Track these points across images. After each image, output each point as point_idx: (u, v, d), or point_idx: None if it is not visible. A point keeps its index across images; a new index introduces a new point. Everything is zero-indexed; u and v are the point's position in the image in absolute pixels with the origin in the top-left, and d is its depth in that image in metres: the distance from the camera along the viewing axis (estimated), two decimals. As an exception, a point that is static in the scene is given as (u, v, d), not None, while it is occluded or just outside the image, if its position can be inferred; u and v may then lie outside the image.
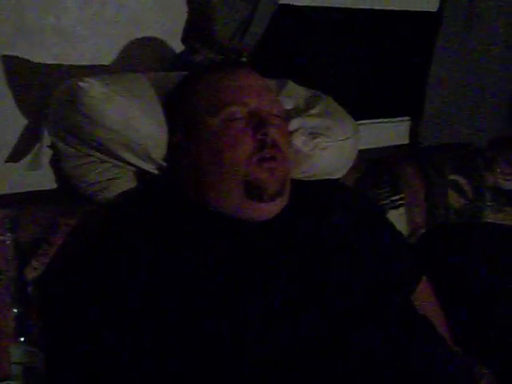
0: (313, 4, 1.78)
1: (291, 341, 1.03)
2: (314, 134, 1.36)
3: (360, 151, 1.49)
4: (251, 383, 0.99)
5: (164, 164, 1.27)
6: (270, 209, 1.18)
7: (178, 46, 1.54)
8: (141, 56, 1.49)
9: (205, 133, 1.17)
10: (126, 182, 1.30)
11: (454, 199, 1.84)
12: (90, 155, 1.27)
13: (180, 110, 1.24)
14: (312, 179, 1.38)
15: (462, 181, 1.86)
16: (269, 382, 0.99)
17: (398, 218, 1.69)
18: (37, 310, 1.09)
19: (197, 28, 1.50)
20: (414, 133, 2.06)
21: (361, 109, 1.78)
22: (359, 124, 1.50)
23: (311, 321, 1.06)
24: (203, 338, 1.02)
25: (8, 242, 0.87)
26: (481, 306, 1.51)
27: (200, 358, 1.01)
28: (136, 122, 1.22)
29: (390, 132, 2.03)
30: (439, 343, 1.17)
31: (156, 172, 1.29)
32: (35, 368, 0.87)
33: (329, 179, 1.41)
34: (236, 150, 1.14)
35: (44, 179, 1.39)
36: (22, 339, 0.87)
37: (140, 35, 1.48)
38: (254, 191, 1.15)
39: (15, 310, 0.86)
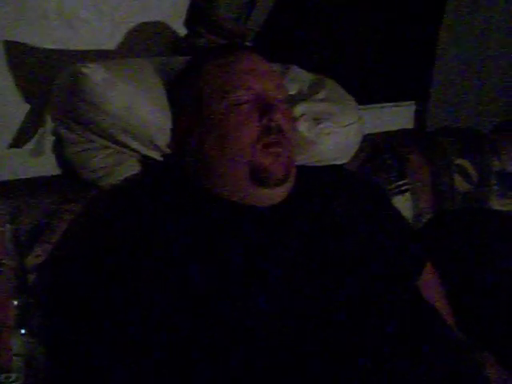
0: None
1: (296, 327, 1.03)
2: (318, 120, 1.36)
3: (365, 136, 1.48)
4: (259, 372, 0.99)
5: (168, 150, 1.26)
6: (275, 194, 1.17)
7: (181, 30, 1.53)
8: (144, 40, 1.49)
9: (210, 118, 1.17)
10: (129, 168, 1.30)
11: (460, 184, 1.83)
12: (92, 141, 1.26)
13: (185, 94, 1.23)
14: (317, 165, 1.37)
15: (467, 165, 1.85)
16: (277, 371, 0.99)
17: (403, 203, 1.68)
18: (38, 298, 1.09)
19: (200, 12, 1.48)
20: (419, 117, 2.05)
21: (365, 93, 1.77)
22: (364, 108, 1.49)
23: (314, 308, 1.05)
24: (206, 324, 1.02)
25: (8, 233, 0.87)
26: (486, 293, 1.50)
27: (205, 345, 1.01)
28: (139, 107, 1.22)
29: (395, 116, 2.02)
30: (443, 329, 1.17)
31: (160, 158, 1.28)
32: (36, 360, 0.88)
33: (334, 165, 1.41)
34: (241, 135, 1.14)
35: (47, 165, 1.39)
36: (23, 331, 0.87)
37: (143, 19, 1.47)
38: (259, 176, 1.14)
39: (16, 302, 0.86)
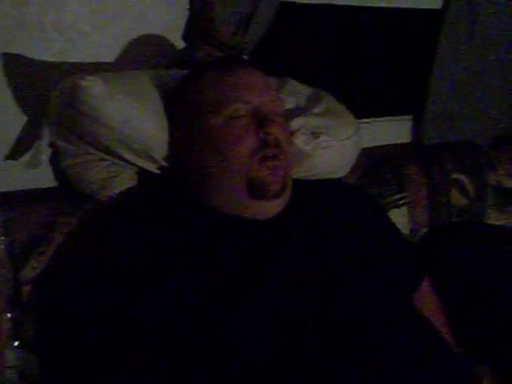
0: (315, 2, 1.77)
1: (294, 339, 1.02)
2: (315, 134, 1.36)
3: (362, 150, 1.48)
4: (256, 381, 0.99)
5: (165, 163, 1.26)
6: (272, 207, 1.17)
7: (179, 43, 1.53)
8: (142, 53, 1.49)
9: (207, 131, 1.16)
10: (126, 181, 1.30)
11: (457, 198, 1.83)
12: (89, 153, 1.26)
13: (182, 107, 1.23)
14: (314, 178, 1.37)
15: (464, 179, 1.85)
16: (275, 376, 0.99)
17: (400, 216, 1.68)
18: (34, 311, 1.08)
19: (198, 25, 1.49)
20: (416, 131, 2.06)
21: (363, 107, 1.77)
22: (361, 122, 1.49)
23: (312, 319, 1.05)
24: (206, 338, 1.01)
25: (2, 245, 0.86)
26: (483, 307, 1.50)
27: (204, 357, 1.00)
28: (136, 120, 1.22)
29: (393, 130, 2.02)
30: (440, 343, 1.16)
31: (157, 171, 1.28)
32: (30, 372, 0.87)
33: (331, 178, 1.40)
34: (238, 148, 1.13)
35: (43, 177, 1.39)
36: (17, 343, 0.86)
37: (141, 32, 1.48)
38: (257, 189, 1.14)
39: (9, 314, 0.85)
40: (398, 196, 1.72)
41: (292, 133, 1.31)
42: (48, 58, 1.37)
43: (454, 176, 1.85)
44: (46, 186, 1.39)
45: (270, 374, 0.99)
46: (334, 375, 0.99)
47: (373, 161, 1.72)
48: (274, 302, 1.06)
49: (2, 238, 0.87)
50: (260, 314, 1.04)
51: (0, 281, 0.85)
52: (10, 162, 1.35)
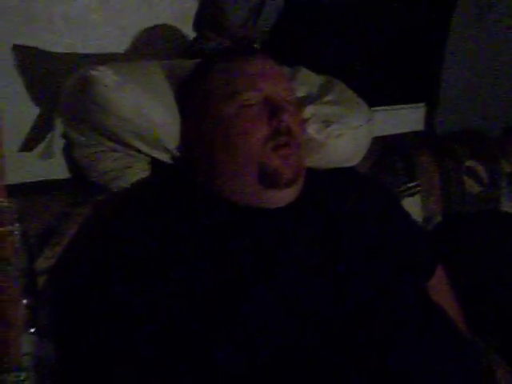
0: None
1: (303, 329, 1.02)
2: (327, 122, 1.35)
3: (375, 138, 1.47)
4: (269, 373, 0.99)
5: (177, 153, 1.26)
6: (285, 196, 1.17)
7: (189, 34, 1.53)
8: (152, 44, 1.49)
9: (219, 119, 1.16)
10: (138, 171, 1.30)
11: (470, 186, 1.83)
12: (102, 144, 1.27)
13: (193, 97, 1.23)
14: (326, 167, 1.37)
15: (478, 167, 1.85)
16: (287, 372, 0.99)
17: (413, 205, 1.68)
18: (48, 300, 1.09)
19: (209, 15, 1.48)
20: (429, 119, 2.05)
21: (375, 95, 1.76)
22: (374, 110, 1.49)
23: (323, 309, 1.05)
24: (215, 329, 1.02)
25: (17, 233, 0.87)
26: (497, 295, 1.50)
27: (213, 346, 1.01)
28: (148, 110, 1.22)
29: (405, 119, 2.01)
30: (453, 332, 1.16)
31: (169, 161, 1.28)
32: (46, 359, 0.87)
33: (343, 167, 1.40)
34: (250, 137, 1.13)
35: (56, 168, 1.39)
36: (33, 330, 0.87)
37: (151, 23, 1.48)
38: (269, 178, 1.14)
39: (25, 301, 0.86)
40: (410, 184, 1.72)
41: (304, 121, 1.31)
42: (57, 49, 1.38)
43: (468, 164, 1.84)
44: (59, 177, 1.40)
45: (277, 364, 0.99)
46: (341, 365, 0.99)
47: (385, 149, 1.72)
48: (285, 291, 1.06)
49: (17, 225, 0.88)
50: (270, 304, 1.04)
51: (16, 268, 0.86)
52: (24, 153, 1.36)
